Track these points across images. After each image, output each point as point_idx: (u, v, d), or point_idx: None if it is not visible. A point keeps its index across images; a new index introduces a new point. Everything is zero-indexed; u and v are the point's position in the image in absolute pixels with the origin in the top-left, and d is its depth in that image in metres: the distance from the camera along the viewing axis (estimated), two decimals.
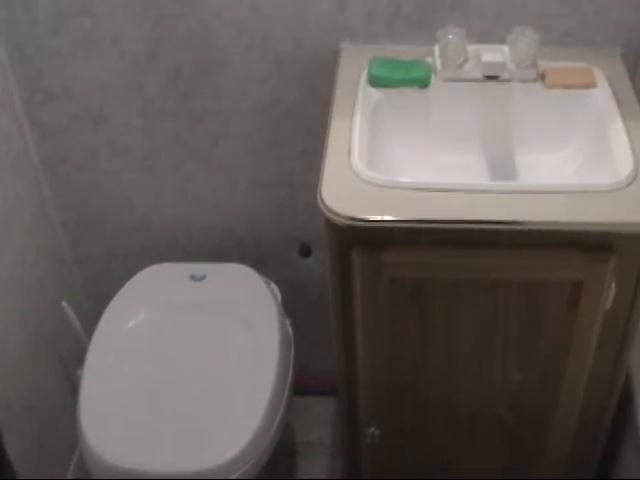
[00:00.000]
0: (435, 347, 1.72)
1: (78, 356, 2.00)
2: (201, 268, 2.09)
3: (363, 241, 1.51)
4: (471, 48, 1.75)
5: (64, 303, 2.14)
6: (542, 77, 1.75)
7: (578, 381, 1.74)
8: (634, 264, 1.56)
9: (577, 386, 1.75)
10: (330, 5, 1.81)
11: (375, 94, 1.73)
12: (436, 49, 1.76)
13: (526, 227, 1.47)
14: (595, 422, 1.86)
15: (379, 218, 1.46)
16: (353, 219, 1.46)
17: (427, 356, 1.74)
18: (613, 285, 1.56)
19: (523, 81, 1.75)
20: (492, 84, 1.74)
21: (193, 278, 2.06)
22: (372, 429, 1.83)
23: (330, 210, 1.47)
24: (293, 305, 2.14)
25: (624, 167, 1.53)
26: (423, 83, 1.74)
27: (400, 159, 1.72)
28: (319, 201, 1.49)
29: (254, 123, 2.01)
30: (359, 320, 1.64)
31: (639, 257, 1.55)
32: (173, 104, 2.00)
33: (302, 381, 2.10)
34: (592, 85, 1.74)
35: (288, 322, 2.04)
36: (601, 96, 1.72)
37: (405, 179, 1.53)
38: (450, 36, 1.71)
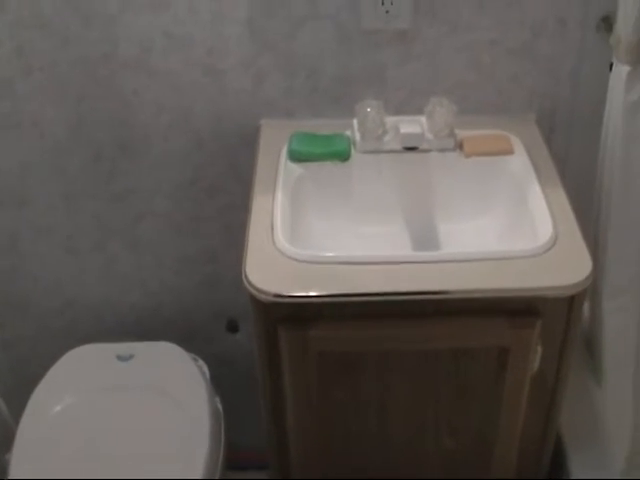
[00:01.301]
0: (367, 418, 1.71)
1: (6, 440, 1.96)
2: (128, 348, 2.05)
3: (289, 317, 1.51)
4: (389, 120, 1.77)
5: None
6: (460, 146, 1.77)
7: (510, 443, 1.74)
8: (559, 326, 1.57)
9: (510, 448, 1.75)
10: (249, 82, 1.83)
11: (296, 169, 1.74)
12: (355, 122, 1.77)
13: (451, 296, 1.48)
14: None
15: (304, 294, 1.46)
16: (278, 296, 1.46)
17: (360, 427, 1.73)
18: (539, 348, 1.57)
19: (441, 151, 1.77)
20: (411, 155, 1.76)
21: (120, 358, 2.03)
22: None
23: (255, 287, 1.47)
24: (222, 381, 2.11)
25: (544, 232, 1.56)
26: (343, 156, 1.75)
27: (324, 233, 1.72)
28: (244, 279, 1.48)
29: (177, 200, 2.01)
30: (289, 395, 1.63)
31: (563, 319, 1.56)
32: (95, 184, 1.99)
33: (235, 456, 2.08)
34: (510, 152, 1.77)
35: (218, 399, 2.02)
36: (519, 162, 1.75)
37: (329, 253, 1.53)
38: (368, 109, 1.73)
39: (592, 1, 1.75)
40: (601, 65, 1.75)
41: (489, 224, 1.76)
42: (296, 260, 1.51)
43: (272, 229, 1.58)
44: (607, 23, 1.71)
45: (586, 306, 1.67)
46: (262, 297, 1.46)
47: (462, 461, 1.80)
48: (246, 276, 1.48)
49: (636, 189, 1.73)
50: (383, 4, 1.72)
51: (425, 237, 1.77)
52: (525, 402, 1.66)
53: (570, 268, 1.51)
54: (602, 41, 1.74)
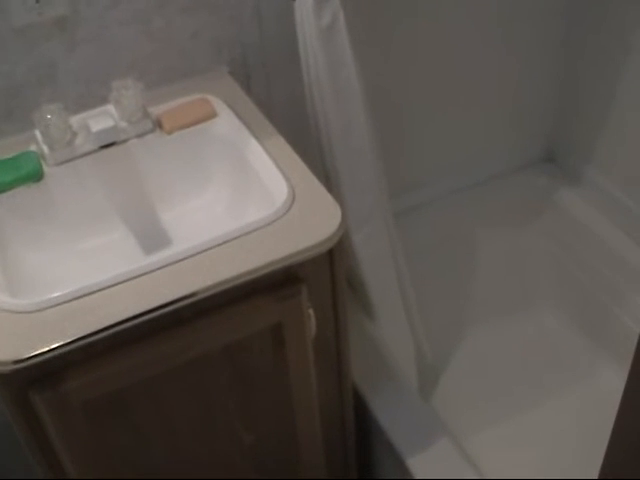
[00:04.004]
0: (158, 444, 1.57)
1: None
2: None
3: (39, 377, 1.31)
4: (75, 119, 1.60)
5: None
6: (159, 124, 1.64)
7: (311, 415, 1.68)
8: (325, 284, 1.51)
9: (312, 420, 1.70)
10: None
11: None
12: (37, 134, 1.57)
13: (202, 296, 1.34)
14: (340, 442, 1.83)
15: (48, 348, 1.26)
16: (18, 362, 1.25)
17: (153, 455, 1.59)
18: (312, 312, 1.49)
19: (141, 136, 1.62)
20: (111, 150, 1.59)
21: None
22: None
23: None
24: None
25: (279, 191, 1.47)
26: (35, 176, 1.54)
27: (45, 266, 1.52)
28: None
29: None
30: (64, 453, 1.44)
31: (328, 275, 1.50)
32: None
33: None
34: (213, 115, 1.66)
35: None
36: (226, 123, 1.65)
37: (57, 293, 1.32)
38: (48, 115, 1.54)
39: None
40: None
41: (216, 198, 1.65)
42: (24, 312, 1.31)
43: None
44: None
45: None
46: (0, 369, 1.25)
47: (271, 453, 1.74)
48: None
49: (349, 112, 1.70)
50: None
51: (153, 234, 1.62)
52: (314, 370, 1.59)
53: (319, 221, 1.43)
54: None
